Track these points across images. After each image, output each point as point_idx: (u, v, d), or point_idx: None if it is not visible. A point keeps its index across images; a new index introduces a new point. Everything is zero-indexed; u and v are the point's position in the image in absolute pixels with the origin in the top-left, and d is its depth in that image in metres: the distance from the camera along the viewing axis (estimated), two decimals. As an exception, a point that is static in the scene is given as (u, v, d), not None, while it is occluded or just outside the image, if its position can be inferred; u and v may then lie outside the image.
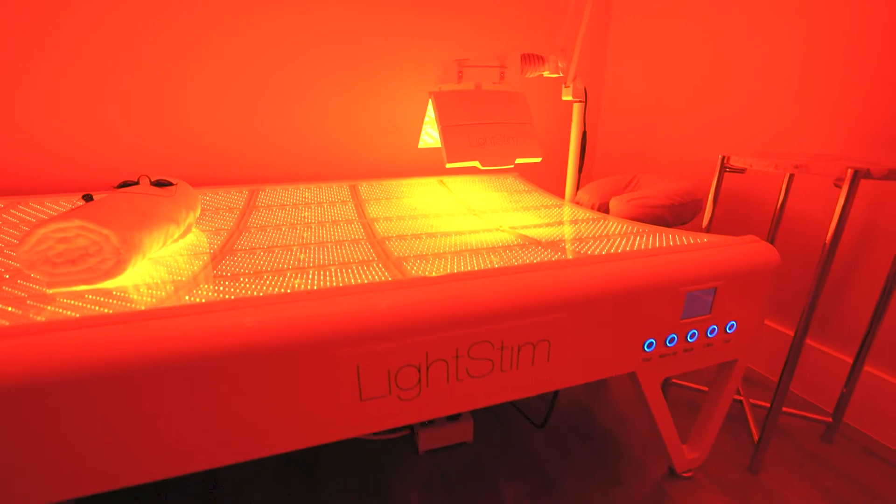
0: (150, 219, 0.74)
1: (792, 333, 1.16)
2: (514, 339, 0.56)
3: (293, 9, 1.30)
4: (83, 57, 1.17)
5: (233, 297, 0.59)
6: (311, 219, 1.07)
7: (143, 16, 1.19)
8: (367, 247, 0.85)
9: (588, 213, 1.11)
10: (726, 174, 1.01)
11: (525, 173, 1.68)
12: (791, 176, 1.03)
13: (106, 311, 0.53)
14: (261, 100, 1.35)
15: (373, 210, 1.15)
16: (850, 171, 0.66)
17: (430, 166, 1.57)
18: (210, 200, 1.19)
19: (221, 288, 0.61)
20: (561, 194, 1.34)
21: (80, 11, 1.14)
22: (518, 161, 1.03)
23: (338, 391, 0.51)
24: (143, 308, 0.53)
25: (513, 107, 1.06)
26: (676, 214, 1.06)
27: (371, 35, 1.38)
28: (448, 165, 0.97)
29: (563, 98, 1.14)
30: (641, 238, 0.86)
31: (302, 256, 0.79)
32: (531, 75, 1.09)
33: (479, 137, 1.00)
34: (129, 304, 0.55)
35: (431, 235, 0.93)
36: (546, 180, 1.73)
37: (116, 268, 0.63)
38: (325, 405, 0.51)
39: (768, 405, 1.00)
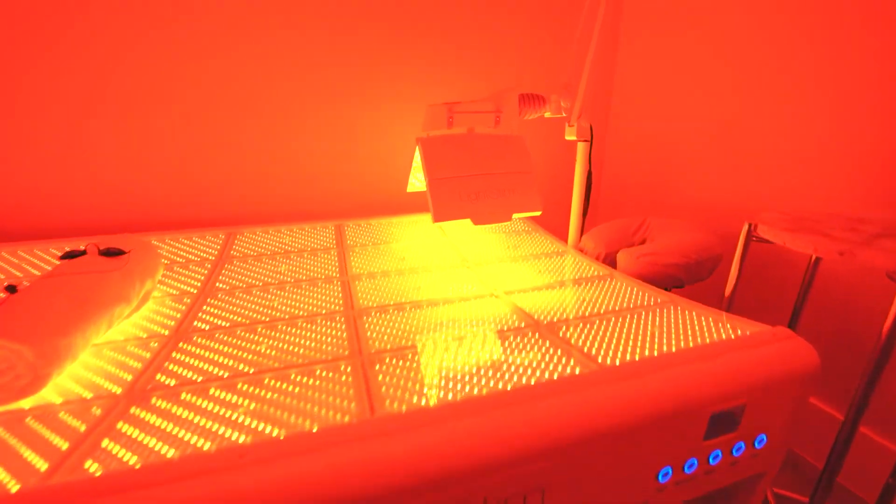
0: (89, 307, 0.65)
1: (825, 407, 1.05)
2: (499, 494, 0.46)
3: (277, 36, 1.19)
4: (50, 88, 1.08)
5: (157, 432, 0.49)
6: (288, 275, 0.98)
7: (120, 41, 1.09)
8: (340, 329, 0.75)
9: (593, 268, 1.00)
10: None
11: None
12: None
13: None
14: (244, 135, 1.25)
15: (356, 261, 1.05)
16: (907, 265, 0.55)
17: (423, 200, 1.46)
18: (182, 250, 1.10)
19: (150, 417, 0.51)
20: (563, 234, 1.23)
21: (55, 41, 1.05)
22: (516, 216, 0.92)
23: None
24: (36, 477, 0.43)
25: (510, 153, 0.95)
26: (692, 273, 0.96)
27: (362, 61, 1.28)
28: (436, 223, 0.87)
29: (567, 138, 1.03)
30: (654, 316, 0.76)
31: (263, 348, 0.69)
32: (531, 117, 0.99)
33: (471, 190, 0.89)
34: (28, 455, 0.45)
35: (416, 306, 0.83)
36: (548, 218, 1.62)
37: (33, 385, 0.54)
38: None
39: (796, 496, 0.90)
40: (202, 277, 0.97)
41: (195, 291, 0.91)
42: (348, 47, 1.25)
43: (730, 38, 1.18)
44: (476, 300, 0.86)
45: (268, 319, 0.79)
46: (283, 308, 0.83)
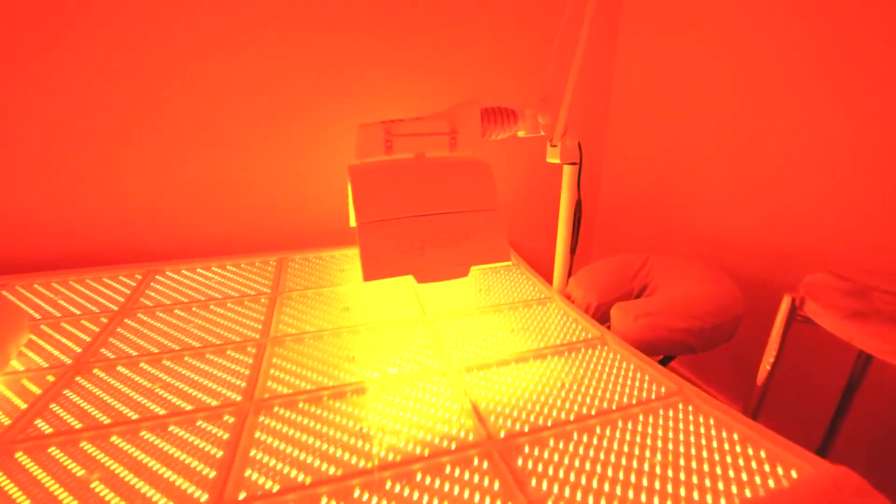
0: None
1: None
2: None
3: (214, 49, 0.99)
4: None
5: None
6: (196, 336, 0.78)
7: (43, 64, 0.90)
8: (219, 440, 0.55)
9: (580, 327, 0.79)
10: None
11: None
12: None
13: None
14: (181, 156, 1.05)
15: (288, 315, 0.84)
16: None
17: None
18: (81, 296, 0.90)
19: None
20: (548, 269, 1.01)
21: None
22: (475, 268, 0.71)
23: None
24: None
25: (471, 185, 0.74)
26: (706, 340, 0.74)
27: (307, 72, 1.07)
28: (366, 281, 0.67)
29: (549, 160, 0.82)
30: (656, 426, 0.55)
31: (94, 481, 0.49)
32: (499, 137, 0.78)
33: (415, 236, 0.69)
34: None
35: (338, 394, 0.63)
36: (531, 249, 1.40)
37: None
38: None
39: None
40: (88, 339, 0.77)
41: (69, 361, 0.71)
42: (294, 59, 1.05)
43: (747, 42, 0.96)
44: (421, 384, 0.65)
45: (136, 417, 0.59)
46: (165, 395, 0.63)
